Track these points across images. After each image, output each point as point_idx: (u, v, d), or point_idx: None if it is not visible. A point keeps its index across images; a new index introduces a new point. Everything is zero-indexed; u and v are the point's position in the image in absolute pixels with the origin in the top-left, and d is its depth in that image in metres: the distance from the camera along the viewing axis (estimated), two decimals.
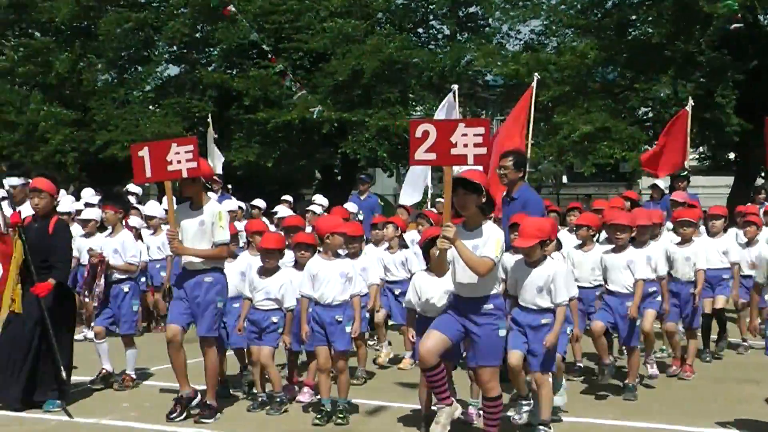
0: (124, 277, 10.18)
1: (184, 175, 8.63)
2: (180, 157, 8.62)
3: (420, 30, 32.53)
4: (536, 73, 16.36)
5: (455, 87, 15.11)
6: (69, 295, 9.88)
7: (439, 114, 15.54)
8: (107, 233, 10.58)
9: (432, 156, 7.34)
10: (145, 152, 8.77)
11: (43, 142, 29.34)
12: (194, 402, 8.86)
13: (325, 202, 16.71)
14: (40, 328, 9.20)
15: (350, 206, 15.76)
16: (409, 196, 16.33)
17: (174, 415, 8.69)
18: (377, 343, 12.02)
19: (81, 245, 12.45)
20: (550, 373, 8.20)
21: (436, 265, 7.69)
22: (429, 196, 17.12)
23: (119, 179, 24.81)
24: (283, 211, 15.21)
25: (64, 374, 9.32)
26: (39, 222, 9.44)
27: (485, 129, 7.28)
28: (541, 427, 8.02)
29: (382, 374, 11.09)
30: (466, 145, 7.21)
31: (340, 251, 9.47)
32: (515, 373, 8.05)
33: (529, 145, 14.80)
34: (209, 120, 21.00)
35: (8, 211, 9.60)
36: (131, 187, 17.27)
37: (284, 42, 29.13)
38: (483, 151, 7.26)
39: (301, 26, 29.06)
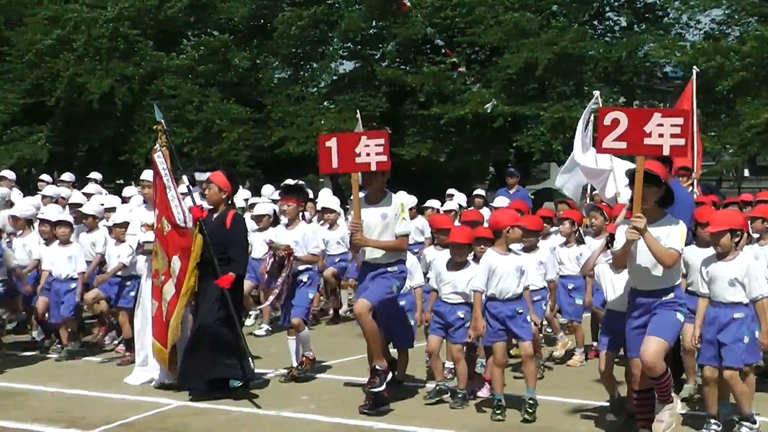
0: (303, 268, 10.23)
1: (373, 168, 8.61)
2: (369, 150, 8.59)
3: (595, 22, 31.94)
4: (695, 67, 15.79)
5: (597, 93, 14.72)
6: (241, 287, 10.06)
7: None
8: (283, 225, 10.64)
9: (622, 145, 7.22)
10: (332, 143, 8.77)
11: (219, 139, 30.05)
12: (388, 377, 8.81)
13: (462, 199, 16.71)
14: (223, 319, 9.37)
15: (500, 200, 15.54)
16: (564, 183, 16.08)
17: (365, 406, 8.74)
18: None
19: (254, 240, 12.62)
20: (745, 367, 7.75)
21: (618, 259, 7.47)
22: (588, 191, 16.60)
23: (294, 175, 25.17)
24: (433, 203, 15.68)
25: (251, 363, 9.54)
26: (216, 216, 9.62)
27: (684, 119, 7.16)
28: (744, 424, 7.68)
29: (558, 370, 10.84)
30: (661, 135, 7.08)
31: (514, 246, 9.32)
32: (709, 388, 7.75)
33: (695, 138, 14.22)
34: (358, 117, 20.95)
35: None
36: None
37: (457, 36, 29.07)
38: (681, 142, 7.14)
39: (474, 20, 28.93)
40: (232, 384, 9.38)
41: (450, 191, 17.30)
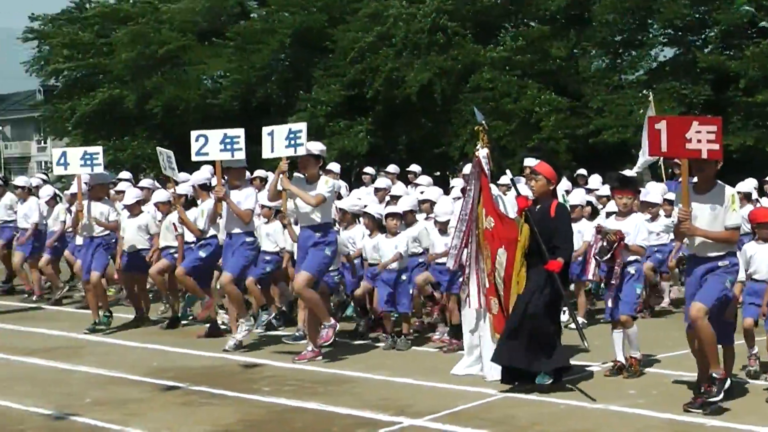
0: (632, 259, 9.94)
1: (704, 155, 8.24)
2: (701, 136, 8.22)
3: None
4: None
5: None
6: (565, 278, 9.91)
7: None
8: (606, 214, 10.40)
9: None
10: (662, 126, 8.48)
11: (536, 130, 29.96)
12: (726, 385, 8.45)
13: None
14: (546, 308, 9.30)
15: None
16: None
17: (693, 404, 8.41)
18: None
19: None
20: None
21: None
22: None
23: (607, 167, 24.69)
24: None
25: (565, 357, 9.43)
26: (540, 206, 9.57)
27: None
28: None
29: None
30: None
31: None
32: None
33: None
34: (650, 98, 20.02)
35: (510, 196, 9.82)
36: None
37: None
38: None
39: None
40: (541, 380, 9.25)
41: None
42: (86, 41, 39.25)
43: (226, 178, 11.70)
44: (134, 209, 13.90)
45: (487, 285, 9.82)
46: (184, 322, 13.79)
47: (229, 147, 11.48)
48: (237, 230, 11.61)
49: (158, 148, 13.29)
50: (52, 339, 12.96)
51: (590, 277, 11.53)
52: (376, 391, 9.51)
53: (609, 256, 9.72)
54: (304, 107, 33.05)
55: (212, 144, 11.50)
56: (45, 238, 16.42)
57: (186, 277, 12.48)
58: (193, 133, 11.73)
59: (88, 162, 13.17)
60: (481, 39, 31.98)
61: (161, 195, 13.94)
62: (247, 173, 13.64)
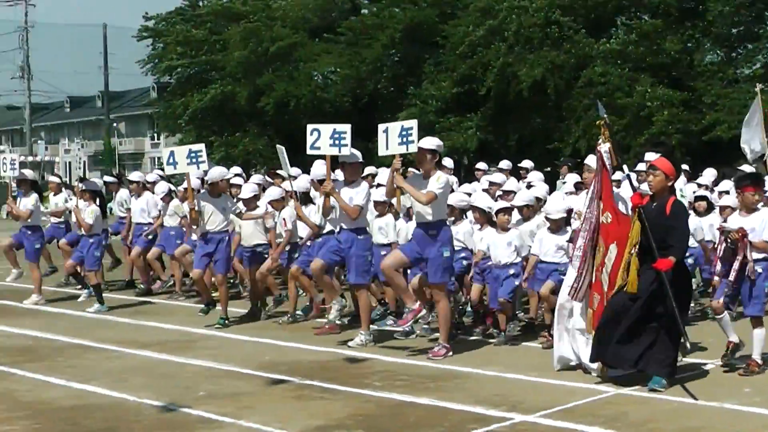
0: (760, 257, 9.69)
1: None
2: None
3: None
4: None
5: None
6: (687, 276, 9.70)
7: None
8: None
9: None
10: None
11: (648, 125, 29.49)
12: None
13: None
14: (659, 305, 9.13)
15: None
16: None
17: None
18: None
19: None
20: None
21: None
22: None
23: (721, 162, 24.15)
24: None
25: (679, 355, 9.32)
26: (657, 203, 9.39)
27: None
28: None
29: None
30: None
31: None
32: None
33: None
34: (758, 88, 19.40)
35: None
36: None
37: None
38: None
39: None
40: (653, 384, 9.06)
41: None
42: (199, 39, 39.91)
43: (337, 172, 11.77)
44: (251, 204, 14.05)
45: (593, 280, 9.71)
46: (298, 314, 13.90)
47: (337, 142, 11.51)
48: (346, 226, 11.66)
49: (278, 146, 13.41)
50: (166, 332, 13.18)
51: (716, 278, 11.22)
52: (488, 387, 9.45)
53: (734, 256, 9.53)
54: (414, 103, 33.09)
55: (324, 138, 11.56)
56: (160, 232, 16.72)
57: (301, 276, 12.61)
58: (309, 127, 11.80)
59: (193, 160, 13.28)
60: (593, 33, 31.61)
61: (274, 192, 14.05)
62: None
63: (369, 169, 16.42)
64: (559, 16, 30.86)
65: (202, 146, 13.68)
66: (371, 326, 12.07)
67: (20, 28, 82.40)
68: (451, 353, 10.92)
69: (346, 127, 11.58)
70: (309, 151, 11.85)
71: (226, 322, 13.45)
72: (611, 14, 32.99)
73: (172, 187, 17.00)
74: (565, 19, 30.92)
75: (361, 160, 12.00)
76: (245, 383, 9.83)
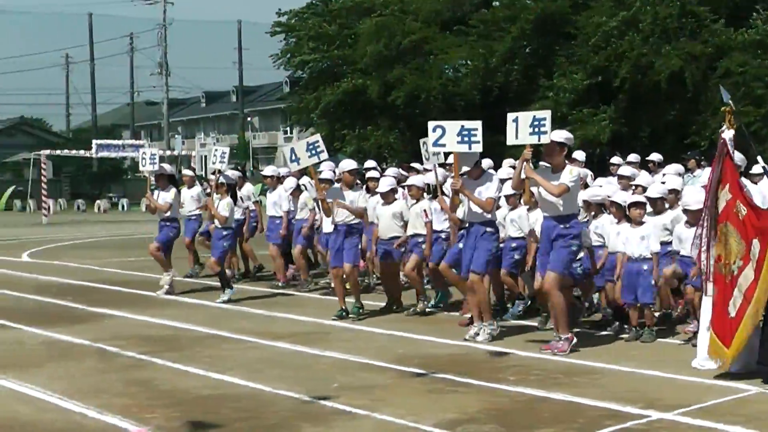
0: None
1: None
2: None
3: None
4: None
5: None
6: None
7: None
8: None
9: None
10: None
11: None
12: None
13: None
14: None
15: None
16: None
17: None
18: None
19: None
20: None
21: None
22: None
23: None
24: None
25: None
26: None
27: None
28: None
29: None
30: None
31: None
32: None
33: None
34: None
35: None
36: None
37: None
38: None
39: None
40: None
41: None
42: (331, 33, 40.27)
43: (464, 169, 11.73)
44: (388, 197, 14.12)
45: (712, 271, 9.48)
46: (429, 310, 13.95)
47: (466, 139, 11.43)
48: (478, 220, 11.62)
49: (422, 140, 13.47)
50: (300, 324, 13.35)
51: None
52: (622, 383, 9.32)
53: None
54: (545, 95, 32.81)
55: (449, 135, 11.48)
56: (292, 227, 16.94)
57: (450, 271, 12.65)
58: (431, 124, 11.74)
59: (313, 152, 13.33)
60: (731, 22, 30.84)
61: (416, 180, 14.06)
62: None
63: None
64: (694, 7, 30.20)
65: (318, 137, 13.76)
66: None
67: (159, 26, 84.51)
68: (575, 340, 10.81)
69: (477, 124, 11.48)
70: (432, 149, 11.84)
71: (360, 311, 13.56)
72: (750, 3, 32.10)
73: (305, 181, 17.19)
74: (702, 9, 30.24)
75: (477, 155, 11.86)
76: (379, 376, 9.90)
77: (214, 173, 17.11)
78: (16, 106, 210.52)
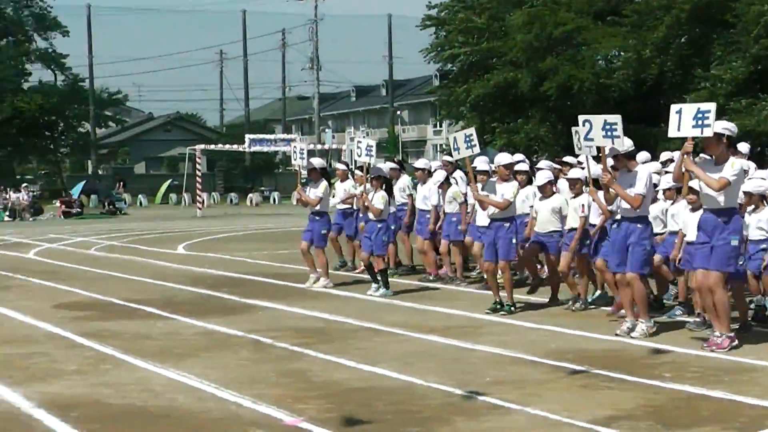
0: None
1: None
2: None
3: None
4: None
5: None
6: None
7: None
8: None
9: None
10: None
11: None
12: None
13: None
14: None
15: None
16: None
17: None
18: None
19: None
20: None
21: None
22: None
23: None
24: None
25: None
26: None
27: None
28: None
29: None
30: None
31: None
32: None
33: None
34: None
35: None
36: None
37: None
38: None
39: None
40: None
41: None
42: (480, 26, 40.07)
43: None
44: (546, 190, 13.96)
45: None
46: (591, 306, 13.75)
47: (609, 134, 11.25)
48: (629, 215, 11.36)
49: (574, 129, 13.32)
50: (451, 318, 13.30)
51: None
52: None
53: None
54: (701, 86, 31.94)
55: (596, 130, 11.35)
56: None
57: (606, 268, 12.47)
58: (581, 118, 11.67)
59: (468, 145, 13.61)
60: None
61: (579, 174, 13.86)
62: None
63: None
64: None
65: (472, 130, 13.93)
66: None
67: (310, 21, 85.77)
68: (735, 342, 10.46)
69: (616, 118, 11.29)
70: (582, 143, 11.68)
71: (512, 309, 13.44)
72: None
73: (458, 175, 17.13)
74: None
75: (630, 149, 11.61)
76: (531, 370, 9.77)
77: (359, 167, 17.23)
78: (172, 102, 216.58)
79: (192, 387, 9.25)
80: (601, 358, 10.22)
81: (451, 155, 15.89)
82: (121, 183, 63.58)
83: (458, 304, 14.29)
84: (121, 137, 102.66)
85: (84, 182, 64.91)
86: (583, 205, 13.29)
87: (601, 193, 12.37)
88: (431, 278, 17.14)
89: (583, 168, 13.27)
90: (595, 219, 13.16)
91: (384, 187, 15.75)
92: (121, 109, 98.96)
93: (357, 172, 17.93)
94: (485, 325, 12.68)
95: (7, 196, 49.55)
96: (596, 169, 12.44)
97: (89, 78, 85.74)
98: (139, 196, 68.24)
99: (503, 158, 13.96)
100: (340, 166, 20.01)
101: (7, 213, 47.28)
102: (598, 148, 11.59)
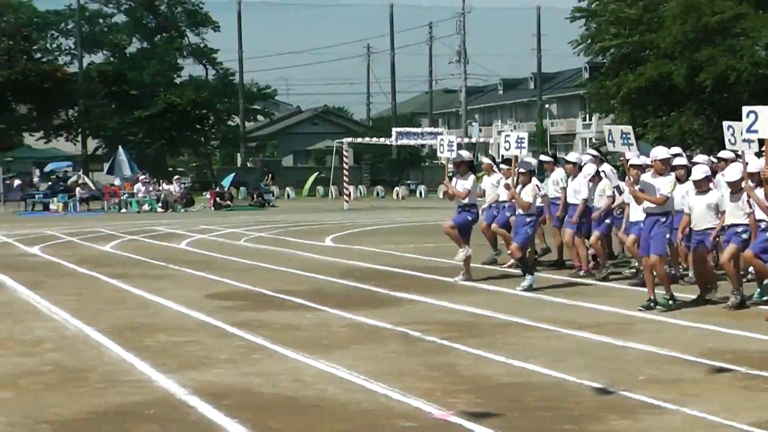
0: None
1: None
2: None
3: None
4: None
5: None
6: None
7: None
8: None
9: None
10: None
11: None
12: None
13: None
14: None
15: None
16: None
17: None
18: None
19: None
20: None
21: None
22: None
23: None
24: None
25: None
26: None
27: None
28: None
29: None
30: None
31: None
32: None
33: None
34: None
35: None
36: None
37: None
38: None
39: None
40: None
41: None
42: (633, 17, 39.32)
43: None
44: (702, 186, 13.56)
45: None
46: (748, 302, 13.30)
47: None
48: None
49: (725, 124, 12.96)
50: (602, 314, 13.02)
51: None
52: None
53: None
54: None
55: (762, 121, 10.94)
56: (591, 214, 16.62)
57: (756, 260, 12.03)
58: (745, 109, 11.34)
59: (624, 141, 13.51)
60: None
61: (734, 169, 13.40)
62: None
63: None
64: None
65: (630, 128, 13.73)
66: None
67: (458, 14, 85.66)
68: None
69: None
70: (745, 135, 11.33)
71: (670, 303, 13.08)
72: None
73: (607, 168, 16.78)
74: None
75: None
76: (687, 370, 9.46)
77: (505, 161, 17.08)
78: (320, 95, 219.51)
79: (341, 378, 9.25)
80: (761, 358, 9.83)
81: (598, 150, 15.61)
82: (270, 175, 64.55)
83: (609, 301, 13.99)
84: (270, 130, 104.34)
85: (233, 174, 66.19)
86: (748, 202, 12.83)
87: (759, 190, 11.93)
88: (581, 273, 16.83)
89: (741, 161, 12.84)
90: (760, 214, 12.70)
91: (531, 180, 15.60)
92: (270, 102, 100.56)
93: (503, 165, 17.77)
94: (638, 322, 12.37)
95: (160, 188, 50.89)
96: (758, 163, 12.00)
97: (239, 72, 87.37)
98: (287, 188, 69.27)
99: (660, 152, 13.59)
100: (486, 160, 19.85)
101: (160, 204, 48.53)
102: (761, 142, 11.19)
